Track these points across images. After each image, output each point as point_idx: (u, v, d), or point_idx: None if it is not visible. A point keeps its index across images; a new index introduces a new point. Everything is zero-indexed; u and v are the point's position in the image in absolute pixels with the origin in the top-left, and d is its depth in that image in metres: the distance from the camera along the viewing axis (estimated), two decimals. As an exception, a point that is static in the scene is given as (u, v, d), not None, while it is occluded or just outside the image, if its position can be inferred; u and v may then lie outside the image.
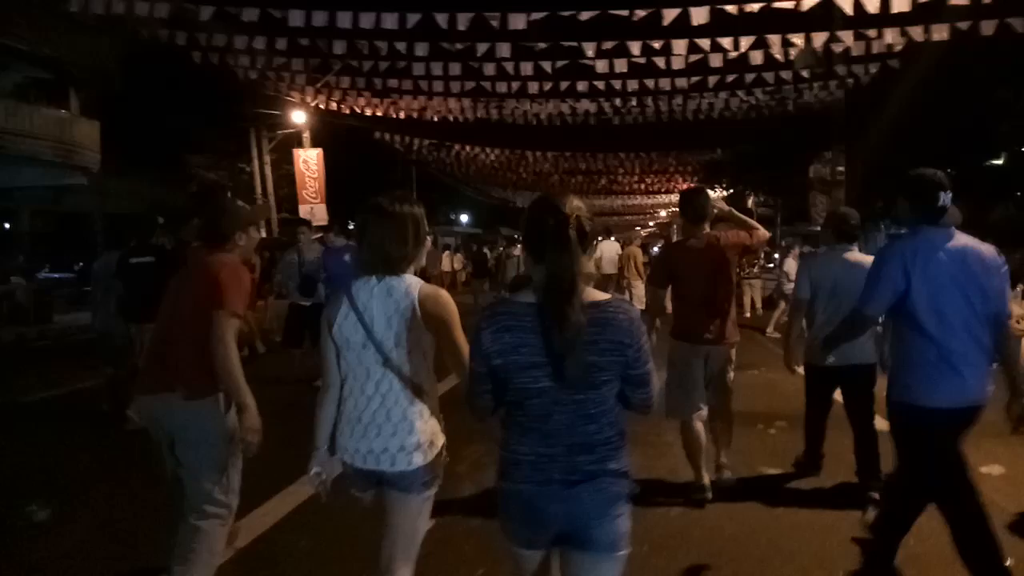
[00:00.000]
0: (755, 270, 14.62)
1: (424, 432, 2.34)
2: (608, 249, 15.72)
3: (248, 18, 10.12)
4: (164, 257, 6.23)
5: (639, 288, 13.43)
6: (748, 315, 13.70)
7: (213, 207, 3.25)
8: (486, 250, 20.30)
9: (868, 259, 4.16)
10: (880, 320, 3.49)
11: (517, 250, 18.43)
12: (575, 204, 1.92)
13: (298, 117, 20.05)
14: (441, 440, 2.42)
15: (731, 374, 4.50)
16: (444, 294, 2.40)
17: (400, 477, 2.32)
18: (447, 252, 26.29)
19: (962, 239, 2.98)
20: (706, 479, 4.35)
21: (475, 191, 40.03)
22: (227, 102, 19.58)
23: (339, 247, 8.13)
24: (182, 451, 3.02)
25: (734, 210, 4.60)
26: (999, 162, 21.66)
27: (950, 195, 2.92)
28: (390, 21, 9.80)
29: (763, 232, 4.41)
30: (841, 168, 19.66)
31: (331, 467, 2.48)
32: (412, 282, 2.36)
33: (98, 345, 7.11)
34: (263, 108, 20.16)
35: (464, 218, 50.59)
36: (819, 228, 18.64)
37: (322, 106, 18.43)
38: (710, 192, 4.60)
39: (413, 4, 9.71)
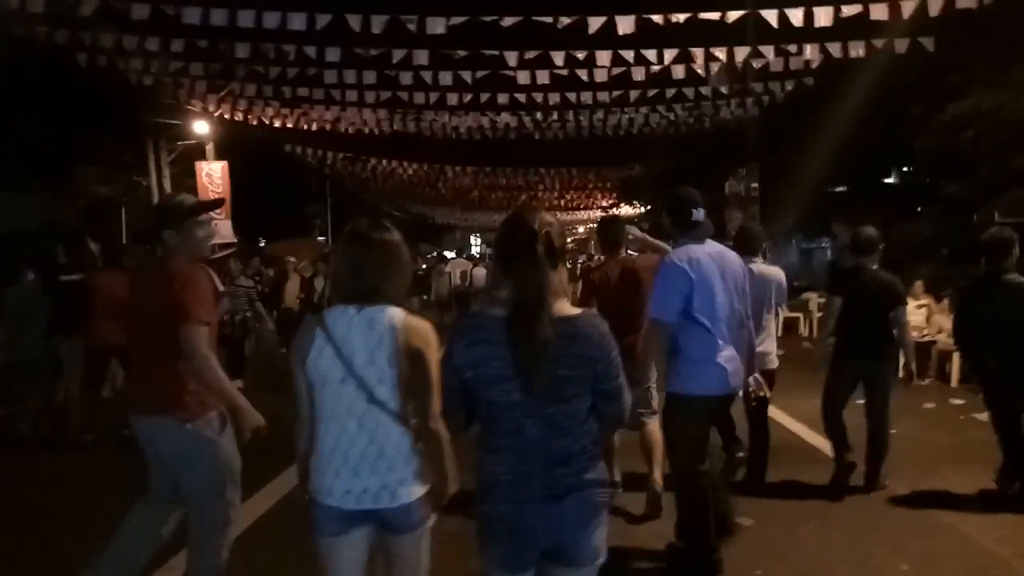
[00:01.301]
0: None
1: (418, 464, 2.26)
2: None
3: (138, 15, 9.12)
4: (91, 277, 6.41)
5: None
6: None
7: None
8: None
9: (772, 270, 5.01)
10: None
11: (448, 266, 17.93)
12: (545, 220, 1.95)
13: (200, 127, 18.72)
14: None
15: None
16: (429, 327, 2.29)
17: (403, 511, 2.22)
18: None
19: (716, 247, 3.55)
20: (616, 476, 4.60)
21: (393, 207, 39.09)
22: (121, 110, 18.08)
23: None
24: (180, 474, 2.98)
25: (647, 236, 4.96)
26: (892, 181, 22.73)
27: (702, 211, 3.49)
28: (297, 22, 9.06)
29: None
30: (755, 184, 20.03)
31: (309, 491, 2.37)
32: (395, 313, 2.24)
33: (30, 372, 6.93)
34: (161, 117, 18.74)
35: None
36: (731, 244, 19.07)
37: (227, 116, 17.30)
38: (625, 222, 5.14)
39: (323, 4, 9.01)
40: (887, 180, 24.22)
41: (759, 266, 4.90)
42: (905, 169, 23.00)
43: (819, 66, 11.83)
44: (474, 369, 1.92)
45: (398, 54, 10.56)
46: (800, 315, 13.48)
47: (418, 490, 2.25)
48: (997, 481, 4.70)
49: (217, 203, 4.93)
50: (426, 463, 2.28)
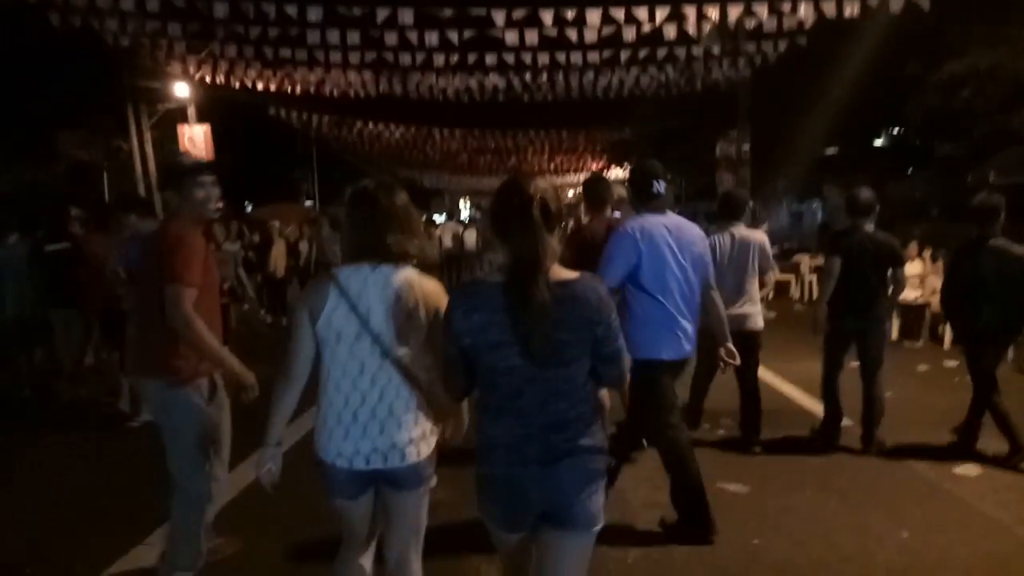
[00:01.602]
0: None
1: (426, 421, 2.29)
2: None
3: (111, -28, 8.82)
4: (78, 244, 6.50)
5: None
6: None
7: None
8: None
9: (754, 234, 5.07)
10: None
11: (438, 229, 17.77)
12: (540, 185, 1.94)
13: (181, 90, 18.28)
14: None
15: None
16: (440, 287, 2.33)
17: (409, 471, 2.25)
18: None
19: (674, 219, 3.62)
20: None
21: (380, 171, 38.62)
22: (100, 73, 17.60)
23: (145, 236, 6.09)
24: (164, 435, 3.01)
25: None
26: (881, 143, 22.60)
27: (664, 183, 3.55)
28: (278, -21, 8.76)
29: None
30: (747, 147, 19.85)
31: (279, 460, 2.36)
32: (410, 272, 2.29)
33: (12, 332, 6.91)
34: (142, 80, 18.25)
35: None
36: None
37: (208, 78, 16.85)
38: (610, 180, 5.20)
39: (303, -40, 8.69)
40: (877, 142, 24.11)
41: (740, 230, 5.04)
42: (895, 131, 22.88)
43: (812, 26, 11.62)
44: (473, 336, 1.92)
45: (382, 13, 10.26)
46: (792, 277, 13.44)
47: (426, 449, 2.27)
48: (956, 431, 4.95)
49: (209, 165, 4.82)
50: (439, 410, 2.34)
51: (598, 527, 2.02)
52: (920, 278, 9.12)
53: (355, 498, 2.31)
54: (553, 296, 1.85)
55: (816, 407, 5.70)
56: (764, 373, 6.76)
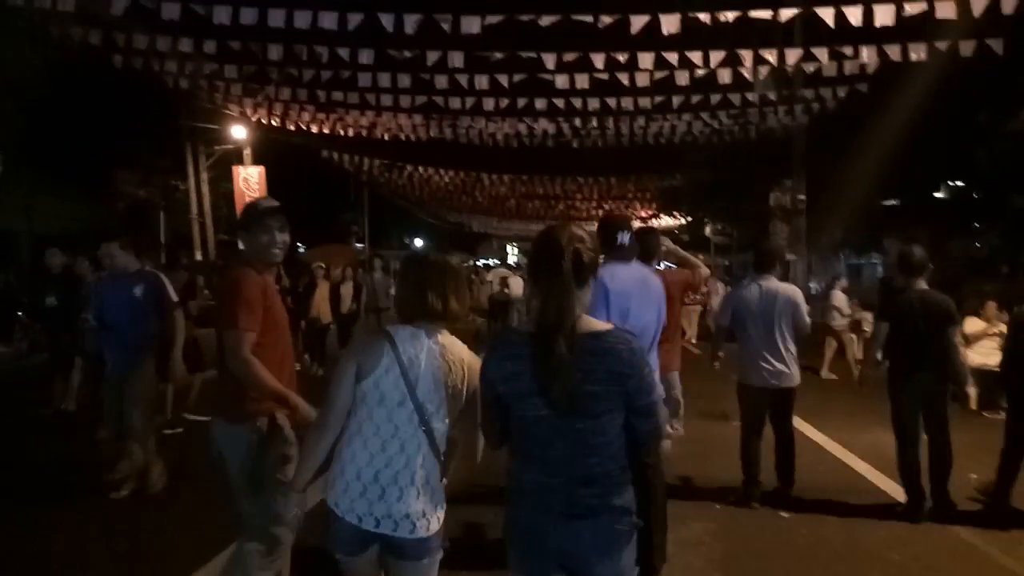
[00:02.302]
0: (698, 296, 15.29)
1: (442, 496, 2.30)
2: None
3: (168, 15, 8.95)
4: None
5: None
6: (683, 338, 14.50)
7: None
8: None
9: (784, 287, 5.01)
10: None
11: (490, 275, 17.64)
12: (576, 235, 1.95)
13: (238, 132, 18.75)
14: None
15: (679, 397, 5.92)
16: (479, 361, 2.32)
17: (415, 544, 2.23)
18: (399, 278, 24.97)
19: (640, 269, 3.80)
20: None
21: (429, 214, 39.02)
22: (160, 115, 18.19)
23: (124, 275, 5.16)
24: (231, 473, 2.99)
25: (679, 249, 5.07)
26: (942, 195, 21.62)
27: (628, 235, 3.73)
28: (328, 21, 8.77)
29: (704, 270, 5.10)
30: (802, 196, 19.27)
31: (304, 504, 2.46)
32: (462, 348, 2.34)
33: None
34: (200, 122, 18.80)
35: (418, 242, 49.53)
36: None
37: (263, 120, 17.21)
38: (661, 234, 4.97)
39: (355, 2, 8.71)
40: (937, 194, 23.15)
41: (770, 283, 5.00)
42: (954, 183, 21.93)
43: (875, 71, 11.20)
44: (505, 383, 1.97)
45: (433, 56, 10.23)
46: (854, 336, 12.66)
47: (436, 524, 2.26)
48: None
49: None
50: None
51: None
52: (1000, 342, 8.35)
53: (355, 555, 2.28)
54: (581, 348, 1.86)
55: (888, 483, 5.24)
56: (830, 445, 6.54)
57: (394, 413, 2.22)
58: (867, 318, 12.20)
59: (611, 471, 1.94)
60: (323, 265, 11.88)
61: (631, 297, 3.56)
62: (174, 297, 5.28)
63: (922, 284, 4.73)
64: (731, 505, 4.94)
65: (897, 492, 4.94)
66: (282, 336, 3.07)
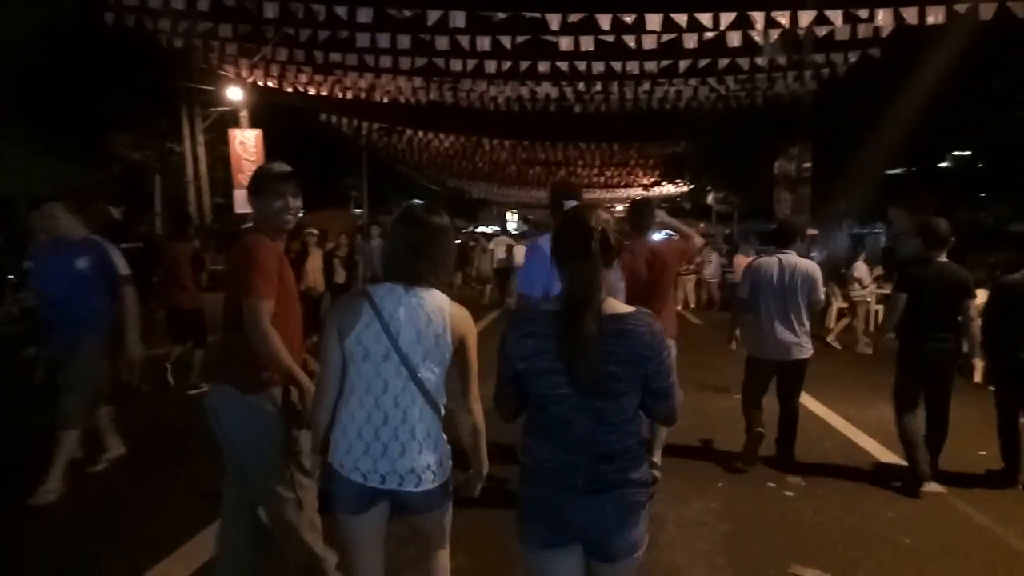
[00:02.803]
0: (691, 266, 15.56)
1: (445, 448, 2.32)
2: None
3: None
4: (153, 245, 6.90)
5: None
6: (680, 308, 14.39)
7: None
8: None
9: (803, 263, 5.07)
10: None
11: (491, 243, 17.39)
12: (602, 217, 1.99)
13: (234, 94, 18.32)
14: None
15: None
16: (469, 315, 2.36)
17: (422, 497, 2.26)
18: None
19: None
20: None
21: (429, 180, 38.61)
22: (155, 76, 17.76)
23: (68, 244, 4.47)
24: (240, 445, 2.85)
25: (674, 220, 5.14)
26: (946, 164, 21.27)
27: (574, 201, 3.80)
28: (326, -23, 8.48)
29: (697, 240, 5.05)
30: (807, 164, 18.94)
31: (317, 463, 2.48)
32: (442, 298, 2.31)
33: None
34: (195, 83, 18.38)
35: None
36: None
37: (260, 82, 16.84)
38: (655, 206, 5.14)
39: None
40: (943, 164, 22.82)
41: (790, 258, 5.07)
42: (960, 154, 21.58)
43: (889, 34, 10.88)
44: (526, 361, 1.97)
45: (433, 16, 9.93)
46: (879, 307, 12.47)
47: (441, 475, 2.28)
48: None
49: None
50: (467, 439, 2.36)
51: (640, 552, 2.03)
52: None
53: (360, 513, 2.28)
54: (605, 329, 1.88)
55: (895, 459, 5.11)
56: (836, 420, 6.42)
57: (381, 367, 2.23)
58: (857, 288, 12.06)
59: (630, 447, 1.98)
60: (315, 232, 11.16)
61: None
62: (124, 271, 4.55)
63: (943, 257, 4.72)
64: (734, 472, 4.90)
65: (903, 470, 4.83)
66: (293, 307, 2.97)
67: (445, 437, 2.32)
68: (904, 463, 4.79)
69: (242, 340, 2.76)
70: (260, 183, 2.90)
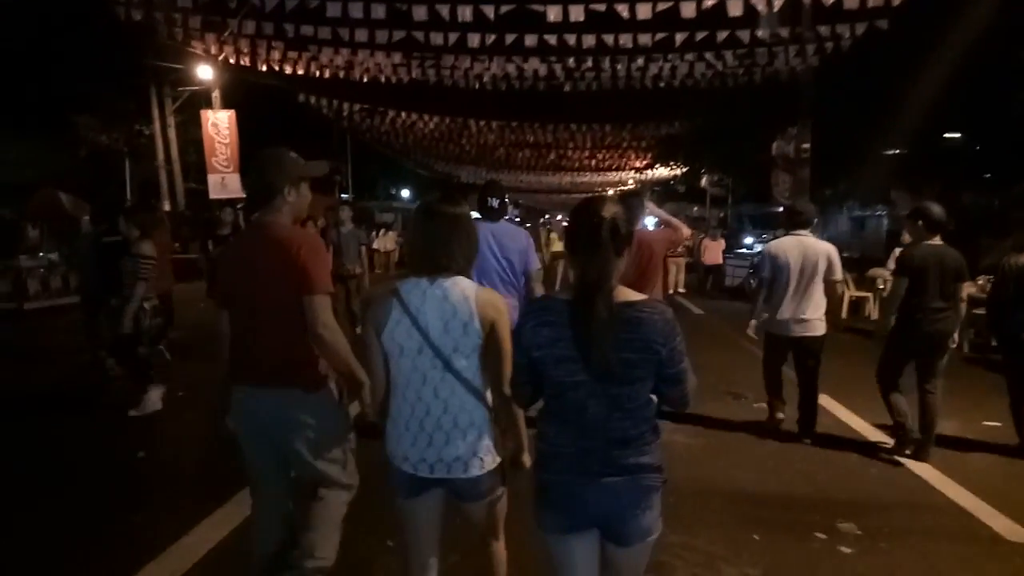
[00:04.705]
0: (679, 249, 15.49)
1: (492, 434, 2.34)
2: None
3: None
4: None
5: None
6: (672, 291, 14.71)
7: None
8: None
9: (820, 244, 5.31)
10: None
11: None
12: (613, 208, 2.02)
13: (204, 72, 17.37)
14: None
15: None
16: (500, 299, 2.38)
17: (471, 483, 2.32)
18: (384, 231, 23.83)
19: (505, 226, 4.82)
20: None
21: (416, 164, 37.67)
22: (120, 52, 16.77)
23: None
24: (302, 445, 2.79)
25: (663, 212, 5.78)
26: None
27: (497, 200, 4.77)
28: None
29: (685, 231, 5.55)
30: (806, 145, 18.20)
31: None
32: (467, 285, 2.33)
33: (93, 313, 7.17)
34: (165, 61, 17.39)
35: (405, 193, 48.13)
36: (781, 210, 17.38)
37: (231, 59, 15.90)
38: (643, 197, 5.49)
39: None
40: (949, 139, 22.09)
41: (807, 239, 5.30)
42: (959, 135, 20.84)
43: (899, 3, 10.12)
44: (541, 349, 2.00)
45: (409, -19, 9.07)
46: (869, 295, 11.81)
47: (490, 462, 2.32)
48: None
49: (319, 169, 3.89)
50: (504, 432, 2.39)
51: (653, 536, 2.05)
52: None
53: (414, 497, 2.35)
54: (618, 316, 1.92)
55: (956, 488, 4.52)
56: (844, 414, 6.10)
57: (416, 361, 2.28)
58: (882, 274, 11.37)
59: (644, 432, 2.02)
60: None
61: (484, 247, 4.27)
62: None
63: (938, 240, 4.95)
64: (772, 531, 3.84)
65: (969, 502, 4.25)
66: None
67: (490, 423, 2.32)
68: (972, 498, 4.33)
69: (300, 338, 2.72)
70: (300, 173, 2.83)
